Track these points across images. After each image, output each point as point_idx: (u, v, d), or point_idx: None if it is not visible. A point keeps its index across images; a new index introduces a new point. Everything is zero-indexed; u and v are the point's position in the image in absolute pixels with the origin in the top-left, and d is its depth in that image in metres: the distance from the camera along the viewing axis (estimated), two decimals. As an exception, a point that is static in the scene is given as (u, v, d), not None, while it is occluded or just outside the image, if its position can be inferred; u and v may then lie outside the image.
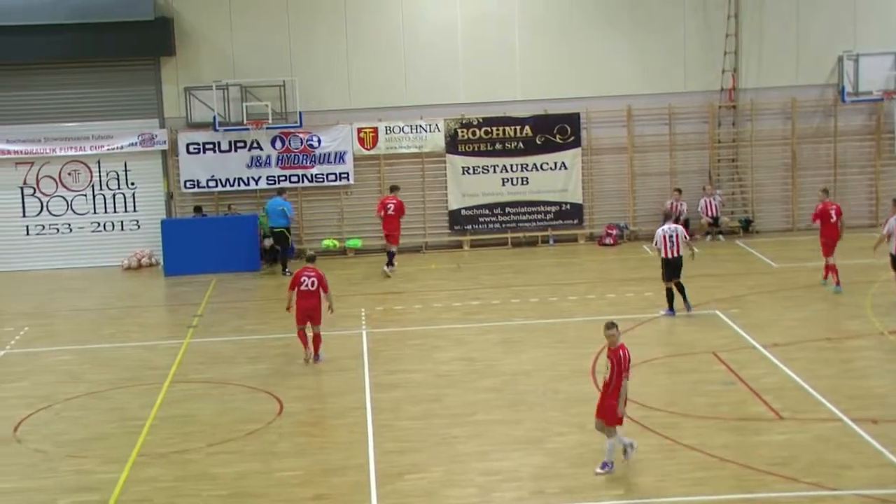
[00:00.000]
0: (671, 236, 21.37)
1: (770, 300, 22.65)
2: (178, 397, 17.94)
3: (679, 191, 29.38)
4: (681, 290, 21.57)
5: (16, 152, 29.11)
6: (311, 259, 20.17)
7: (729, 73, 29.59)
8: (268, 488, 13.98)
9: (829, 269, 22.92)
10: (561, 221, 29.90)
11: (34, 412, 17.39)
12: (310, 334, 19.51)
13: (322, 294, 19.46)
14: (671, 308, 21.60)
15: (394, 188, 27.71)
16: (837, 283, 22.61)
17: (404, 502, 13.34)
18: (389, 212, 26.94)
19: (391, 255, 26.95)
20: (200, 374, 19.22)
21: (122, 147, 29.23)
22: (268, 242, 28.24)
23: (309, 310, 19.37)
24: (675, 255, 21.37)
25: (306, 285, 19.38)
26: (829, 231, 23.02)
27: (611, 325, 14.03)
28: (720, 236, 29.37)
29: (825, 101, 29.91)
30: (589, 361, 18.59)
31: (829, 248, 22.96)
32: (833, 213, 23.13)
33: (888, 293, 22.08)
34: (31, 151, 29.14)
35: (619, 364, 13.82)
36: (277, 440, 15.73)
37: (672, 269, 21.50)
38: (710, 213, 29.25)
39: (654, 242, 21.83)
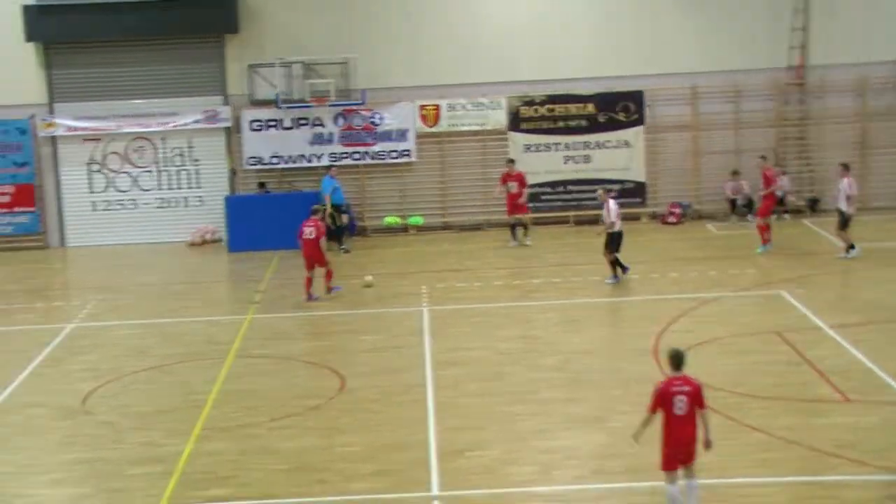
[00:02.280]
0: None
1: (837, 280, 22.32)
2: (240, 372, 18.10)
3: (736, 172, 28.99)
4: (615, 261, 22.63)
5: (83, 129, 29.48)
6: (314, 212, 22.80)
7: (797, 50, 29.10)
8: (329, 463, 14.07)
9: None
10: (624, 200, 29.63)
11: (102, 385, 17.66)
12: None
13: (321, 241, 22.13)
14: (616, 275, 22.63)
15: (510, 161, 27.76)
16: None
17: (464, 479, 13.35)
18: (511, 189, 27.08)
19: (524, 227, 27.32)
20: (263, 349, 19.37)
21: (186, 124, 29.50)
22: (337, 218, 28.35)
23: (310, 255, 22.12)
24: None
25: (307, 234, 22.08)
26: None
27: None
28: (786, 215, 28.97)
29: (896, 77, 29.35)
30: (651, 341, 18.44)
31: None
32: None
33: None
34: (98, 128, 29.51)
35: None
36: (339, 416, 15.81)
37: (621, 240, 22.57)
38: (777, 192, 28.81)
39: (612, 217, 22.47)
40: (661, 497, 12.52)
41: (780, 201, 28.93)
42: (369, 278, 23.40)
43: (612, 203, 22.64)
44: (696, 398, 11.66)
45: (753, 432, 14.34)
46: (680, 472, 11.88)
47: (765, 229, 25.09)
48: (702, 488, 12.45)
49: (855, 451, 13.48)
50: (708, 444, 11.81)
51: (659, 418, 11.81)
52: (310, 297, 22.28)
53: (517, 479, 13.32)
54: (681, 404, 11.59)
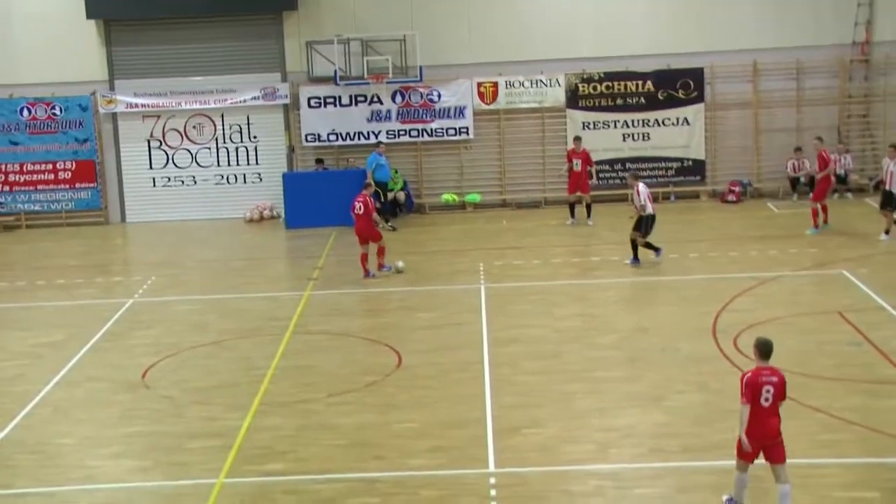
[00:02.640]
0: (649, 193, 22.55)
1: (900, 260, 21.96)
2: (298, 348, 18.22)
3: (799, 149, 28.60)
4: (646, 244, 22.41)
5: (143, 106, 29.76)
6: (365, 187, 23.18)
7: (862, 26, 28.59)
8: (386, 439, 14.12)
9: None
10: (682, 178, 29.40)
11: (162, 359, 17.86)
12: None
13: (373, 216, 22.32)
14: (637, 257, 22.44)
15: (577, 138, 27.50)
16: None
17: (521, 457, 13.34)
18: (576, 167, 26.83)
19: (587, 206, 26.95)
20: (321, 325, 19.47)
21: (244, 101, 29.66)
22: (389, 195, 28.45)
23: (361, 231, 22.24)
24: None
25: (357, 209, 22.18)
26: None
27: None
28: (848, 194, 28.55)
29: (965, 53, 28.74)
30: (710, 320, 18.28)
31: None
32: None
33: None
34: (157, 105, 29.76)
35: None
36: (396, 392, 15.86)
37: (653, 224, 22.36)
38: (839, 170, 28.42)
39: (643, 199, 22.22)
40: (718, 476, 12.44)
41: (843, 180, 28.52)
42: (401, 264, 22.81)
43: (641, 186, 22.48)
44: (781, 390, 11.44)
45: (815, 413, 14.17)
46: (770, 471, 11.51)
47: (816, 213, 24.71)
48: (760, 468, 12.33)
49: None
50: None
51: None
52: (367, 274, 22.32)
53: (573, 458, 13.29)
54: (768, 395, 11.34)
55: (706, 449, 13.28)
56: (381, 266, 22.56)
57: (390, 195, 28.62)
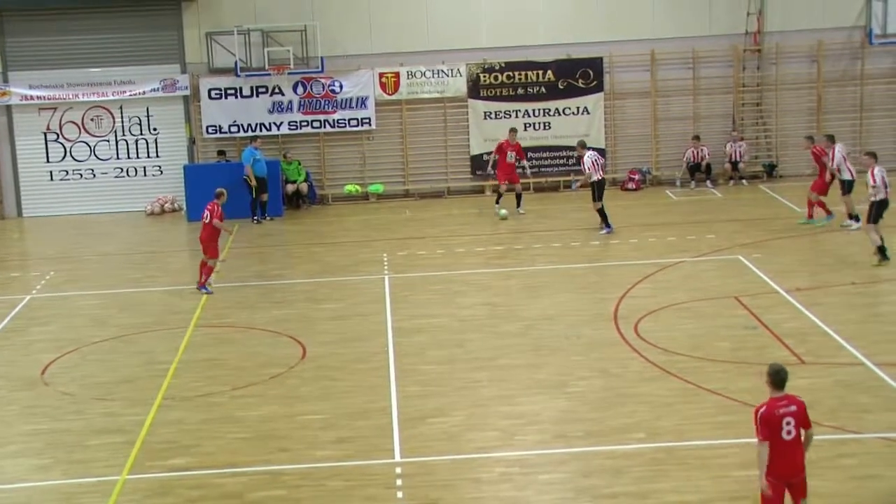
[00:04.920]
0: (596, 160, 24.28)
1: (793, 245, 22.55)
2: (202, 341, 18.08)
3: (697, 137, 29.18)
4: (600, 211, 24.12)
5: (39, 98, 29.14)
6: (217, 196, 21.03)
7: (754, 16, 29.22)
8: (291, 431, 14.12)
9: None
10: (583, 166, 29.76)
11: (61, 355, 17.58)
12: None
13: (216, 223, 20.58)
14: (609, 224, 24.01)
15: (513, 130, 27.08)
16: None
17: (427, 446, 13.45)
18: (509, 159, 26.58)
19: (518, 196, 26.92)
20: (224, 318, 19.35)
21: (144, 93, 29.22)
22: (290, 188, 28.34)
23: (202, 239, 20.75)
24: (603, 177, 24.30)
25: (204, 217, 20.74)
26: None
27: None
28: (743, 181, 29.20)
29: (852, 43, 29.54)
30: (611, 306, 18.61)
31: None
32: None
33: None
34: (53, 97, 29.17)
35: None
36: (301, 384, 15.86)
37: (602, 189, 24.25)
38: (733, 157, 29.08)
39: (586, 168, 24.09)
40: (619, 460, 12.70)
41: (735, 167, 29.18)
42: (504, 212, 25.49)
43: (586, 155, 24.16)
44: (803, 418, 10.27)
45: (712, 395, 14.53)
46: None
47: (812, 204, 24.11)
48: (660, 451, 12.66)
49: (810, 413, 13.54)
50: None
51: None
52: (201, 286, 20.87)
53: (479, 445, 13.43)
54: (789, 427, 10.13)
55: (608, 433, 13.54)
56: (200, 284, 20.83)
57: (291, 187, 28.47)
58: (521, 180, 27.29)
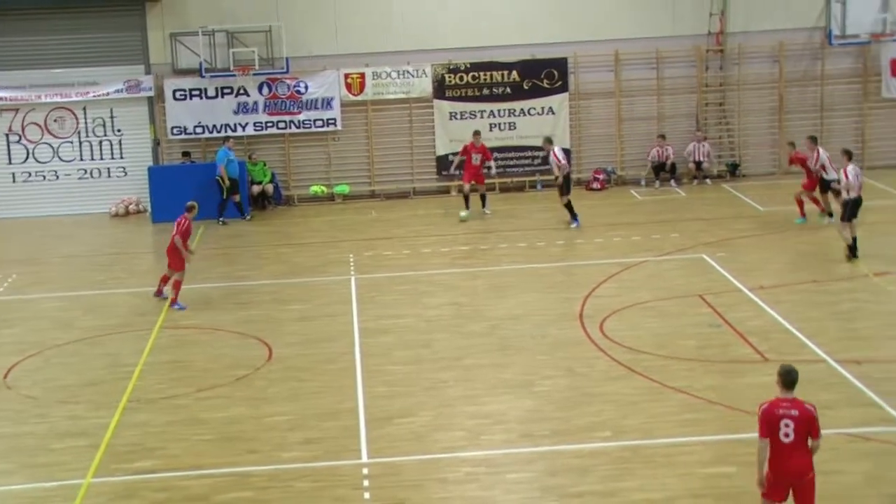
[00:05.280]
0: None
1: (757, 244, 22.75)
2: (167, 343, 18.01)
3: (663, 136, 29.38)
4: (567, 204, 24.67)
5: (0, 99, 28.88)
6: (188, 209, 20.68)
7: (716, 17, 29.45)
8: (258, 433, 14.09)
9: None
10: (548, 166, 29.79)
11: (24, 358, 17.45)
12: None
13: (175, 240, 20.05)
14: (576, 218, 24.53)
15: (476, 133, 26.97)
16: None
17: (394, 446, 13.47)
18: (474, 161, 26.51)
19: (483, 197, 26.93)
20: (189, 320, 19.27)
21: (107, 94, 29.03)
22: (255, 189, 28.27)
23: (168, 251, 20.29)
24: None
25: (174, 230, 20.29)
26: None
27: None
28: (707, 180, 29.41)
29: (812, 44, 29.84)
30: (577, 306, 18.70)
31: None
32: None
33: (874, 235, 22.22)
34: (15, 98, 28.92)
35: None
36: (267, 385, 15.83)
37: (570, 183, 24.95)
38: (696, 157, 29.29)
39: (561, 161, 24.69)
40: (585, 459, 12.78)
41: (699, 166, 29.38)
42: (464, 213, 25.26)
43: (557, 149, 24.95)
44: (804, 426, 10.02)
45: (677, 393, 14.65)
46: None
47: (817, 200, 24.12)
48: (626, 449, 12.74)
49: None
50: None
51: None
52: (159, 293, 20.52)
53: (446, 445, 13.47)
54: (787, 430, 9.98)
55: (574, 432, 13.62)
56: (173, 301, 19.91)
57: (257, 188, 28.41)
58: (487, 180, 27.37)
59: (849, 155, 21.56)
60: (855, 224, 20.90)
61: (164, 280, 20.51)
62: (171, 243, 20.11)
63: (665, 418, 13.88)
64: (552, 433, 13.63)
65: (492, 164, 27.32)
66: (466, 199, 26.55)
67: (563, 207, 24.89)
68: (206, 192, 26.24)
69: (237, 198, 27.42)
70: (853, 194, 20.82)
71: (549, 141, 25.62)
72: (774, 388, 10.38)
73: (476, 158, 26.56)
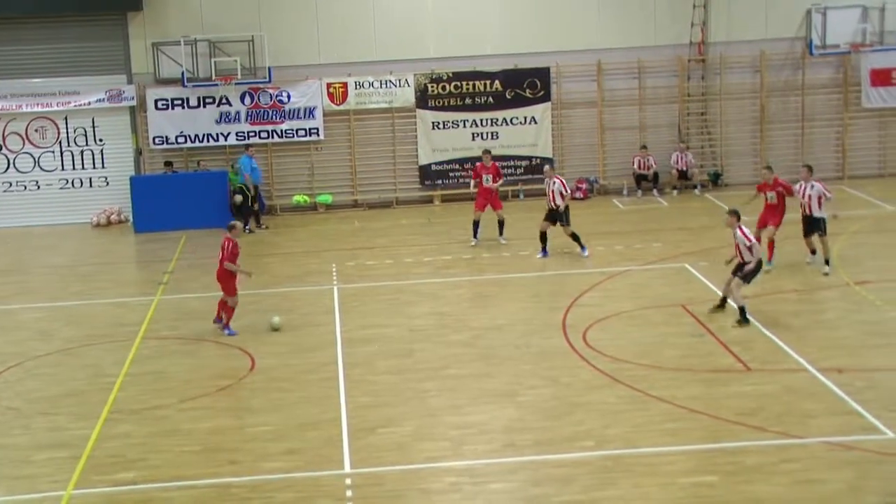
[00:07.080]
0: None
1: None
2: (149, 354, 17.94)
3: (645, 147, 29.49)
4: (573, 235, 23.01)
5: (-19, 109, 28.84)
6: (230, 228, 19.12)
7: (698, 27, 29.60)
8: (240, 443, 14.04)
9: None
10: (531, 176, 29.90)
11: (6, 369, 17.35)
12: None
13: (227, 266, 18.67)
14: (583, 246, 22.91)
15: (486, 152, 25.17)
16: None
17: (377, 456, 13.43)
18: (486, 182, 24.47)
19: (500, 223, 24.62)
20: (172, 330, 19.21)
21: (89, 103, 28.97)
22: (238, 198, 28.22)
23: (218, 276, 18.87)
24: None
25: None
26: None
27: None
28: (695, 190, 29.49)
29: (793, 54, 30.02)
30: (560, 315, 18.71)
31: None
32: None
33: (855, 245, 22.31)
34: (-4, 108, 28.88)
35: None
36: (250, 396, 15.78)
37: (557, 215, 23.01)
38: (679, 166, 29.40)
39: (567, 190, 23.15)
40: (569, 469, 12.77)
41: (684, 175, 29.49)
42: (277, 320, 19.00)
43: (560, 180, 23.22)
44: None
45: (659, 403, 14.65)
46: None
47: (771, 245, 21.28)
48: (609, 459, 12.74)
49: (755, 419, 13.88)
50: None
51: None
52: (225, 329, 18.84)
53: (429, 455, 13.44)
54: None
55: (557, 442, 13.61)
56: (225, 326, 18.80)
57: (238, 198, 28.26)
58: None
59: (810, 169, 20.88)
60: (827, 240, 20.66)
61: (222, 305, 19.01)
62: (220, 268, 18.76)
63: (648, 428, 13.88)
64: (535, 443, 13.62)
65: (499, 183, 24.99)
66: (476, 226, 24.54)
67: (568, 237, 23.12)
68: (187, 202, 26.18)
69: (256, 206, 27.56)
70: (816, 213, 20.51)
71: (552, 168, 23.95)
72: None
73: (487, 180, 24.48)
